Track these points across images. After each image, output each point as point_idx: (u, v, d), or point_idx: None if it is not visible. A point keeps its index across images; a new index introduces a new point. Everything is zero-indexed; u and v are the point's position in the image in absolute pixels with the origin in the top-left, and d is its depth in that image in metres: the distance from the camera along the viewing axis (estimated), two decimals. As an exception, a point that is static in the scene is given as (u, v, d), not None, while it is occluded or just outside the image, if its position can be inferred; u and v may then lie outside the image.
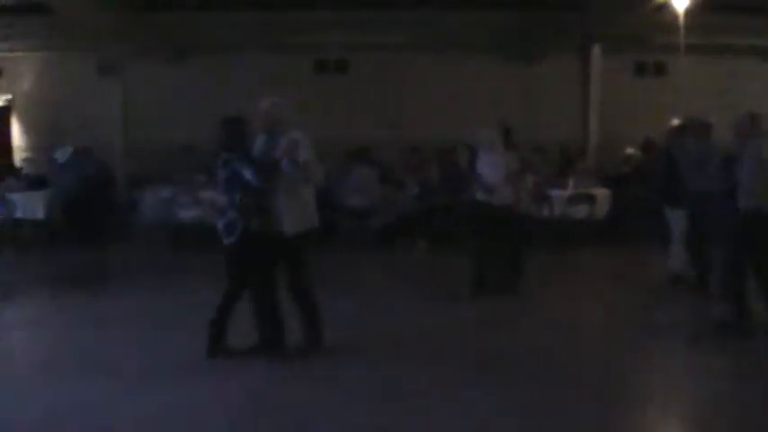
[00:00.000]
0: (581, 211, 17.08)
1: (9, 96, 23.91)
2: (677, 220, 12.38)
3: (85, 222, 16.88)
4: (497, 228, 11.80)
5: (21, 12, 18.70)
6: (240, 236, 8.45)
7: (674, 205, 12.38)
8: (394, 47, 21.79)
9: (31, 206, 17.14)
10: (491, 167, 11.87)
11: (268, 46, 22.18)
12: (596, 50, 20.91)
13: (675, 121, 12.88)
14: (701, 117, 12.58)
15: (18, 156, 22.81)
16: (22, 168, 20.26)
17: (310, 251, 8.94)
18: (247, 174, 8.38)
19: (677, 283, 12.36)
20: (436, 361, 8.74)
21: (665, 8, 17.21)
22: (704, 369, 8.41)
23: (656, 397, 7.76)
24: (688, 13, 16.97)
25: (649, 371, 8.60)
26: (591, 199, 17.13)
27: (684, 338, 9.74)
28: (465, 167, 12.55)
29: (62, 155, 17.75)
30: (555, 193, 17.17)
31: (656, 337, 9.80)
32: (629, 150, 17.74)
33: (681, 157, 12.26)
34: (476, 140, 12.28)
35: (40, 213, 17.14)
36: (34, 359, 8.61)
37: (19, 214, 17.10)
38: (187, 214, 16.45)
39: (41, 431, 6.36)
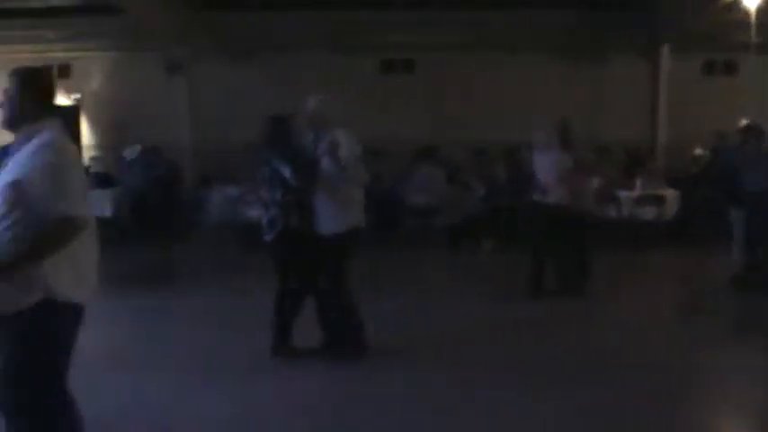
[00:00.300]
0: (649, 212, 16.93)
1: (78, 96, 24.14)
2: (738, 220, 12.27)
3: (153, 221, 17.01)
4: (556, 228, 11.72)
5: (89, 12, 18.89)
6: (280, 233, 8.43)
7: (736, 206, 12.27)
8: (461, 46, 21.69)
9: (98, 204, 17.27)
10: (545, 168, 11.91)
11: (334, 45, 22.19)
12: (664, 50, 20.68)
13: (743, 122, 12.76)
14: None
15: (86, 154, 23.04)
16: (90, 167, 20.45)
17: (354, 252, 8.86)
18: (286, 172, 8.37)
19: (741, 284, 12.18)
20: (494, 364, 8.65)
21: (736, 6, 16.96)
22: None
23: (721, 399, 7.66)
24: (759, 10, 16.72)
25: (715, 373, 8.43)
26: (659, 200, 16.97)
27: (749, 340, 9.61)
28: (530, 168, 12.48)
29: (130, 153, 17.92)
30: (622, 194, 17.02)
31: (721, 339, 9.66)
32: (698, 151, 17.52)
33: (741, 158, 12.16)
34: (532, 141, 12.28)
35: (107, 212, 17.25)
36: (101, 357, 8.64)
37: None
38: (253, 213, 16.47)
39: (109, 428, 6.37)
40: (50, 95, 5.02)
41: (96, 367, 7.81)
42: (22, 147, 4.75)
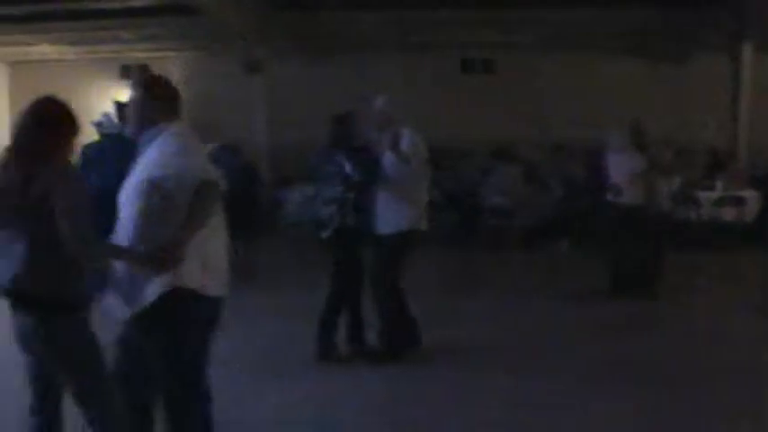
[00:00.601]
0: (729, 213, 16.68)
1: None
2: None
3: (230, 220, 17.10)
4: (631, 229, 11.59)
5: (167, 13, 19.04)
6: (336, 231, 8.40)
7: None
8: (542, 46, 21.56)
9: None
10: (619, 168, 11.91)
11: (413, 45, 22.17)
12: (747, 48, 20.28)
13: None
14: None
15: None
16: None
17: (410, 254, 8.74)
18: (347, 167, 8.32)
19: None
20: (565, 365, 8.55)
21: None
22: None
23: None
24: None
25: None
26: (740, 201, 16.72)
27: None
28: (606, 169, 12.38)
29: (209, 152, 18.05)
30: (702, 195, 16.79)
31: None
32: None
33: None
34: (607, 141, 12.20)
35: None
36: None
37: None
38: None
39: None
40: (173, 99, 5.08)
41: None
42: (148, 147, 4.86)
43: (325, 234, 8.52)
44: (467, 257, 16.04)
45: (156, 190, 4.63)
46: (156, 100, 4.98)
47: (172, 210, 4.59)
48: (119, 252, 4.71)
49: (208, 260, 4.85)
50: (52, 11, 19.12)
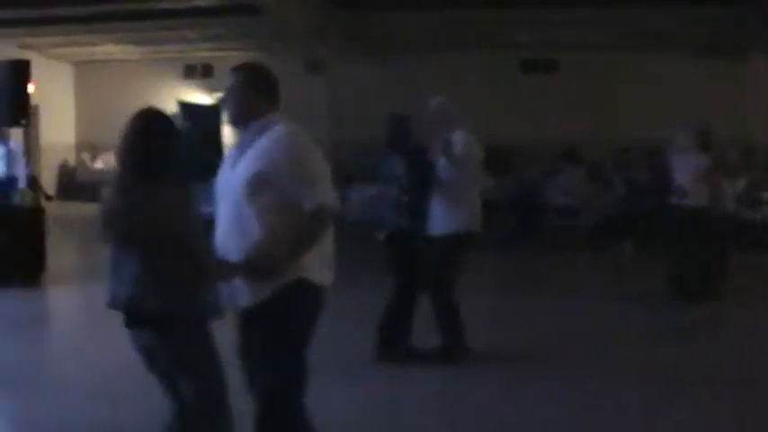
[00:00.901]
0: (798, 215, 16.43)
1: (221, 95, 24.58)
2: None
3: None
4: (695, 231, 11.46)
5: (231, 13, 19.15)
6: (391, 233, 8.37)
7: None
8: (604, 45, 21.41)
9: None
10: (683, 169, 11.69)
11: (473, 45, 22.11)
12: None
13: None
14: None
15: (227, 152, 23.38)
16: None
17: (464, 256, 8.63)
18: (400, 171, 8.29)
19: None
20: (625, 368, 8.37)
21: None
22: None
23: None
24: None
25: None
26: (806, 202, 16.46)
27: None
28: (670, 169, 12.26)
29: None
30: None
31: None
32: None
33: None
34: (671, 142, 12.08)
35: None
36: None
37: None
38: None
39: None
40: (273, 90, 4.93)
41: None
42: (254, 142, 4.71)
43: (381, 235, 8.50)
44: (529, 258, 15.95)
45: (269, 186, 4.55)
46: (259, 89, 4.87)
47: (284, 206, 4.57)
48: (227, 267, 4.64)
49: (324, 249, 4.80)
50: (117, 11, 19.30)
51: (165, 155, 4.55)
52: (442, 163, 8.24)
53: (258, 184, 4.55)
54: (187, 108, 16.39)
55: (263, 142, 4.66)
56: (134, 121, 4.58)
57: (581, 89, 22.14)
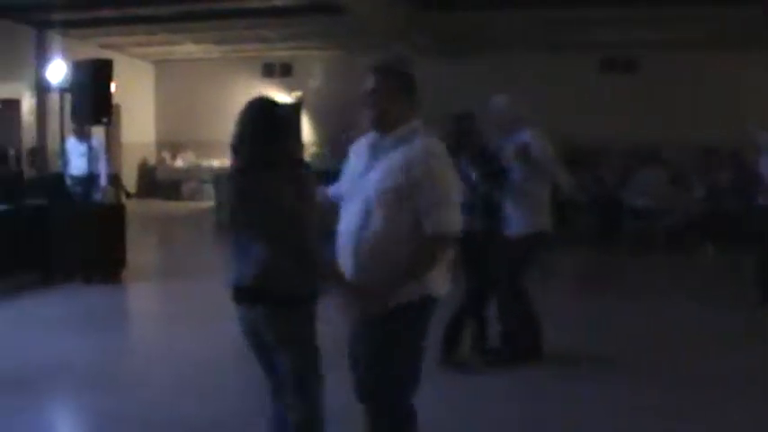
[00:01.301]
0: None
1: (300, 93, 24.69)
2: None
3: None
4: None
5: (310, 12, 19.18)
6: (464, 234, 8.22)
7: None
8: (686, 44, 21.10)
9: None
10: (769, 169, 11.40)
11: (552, 44, 21.94)
12: None
13: None
14: None
15: (308, 151, 23.46)
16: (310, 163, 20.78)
17: (537, 256, 8.58)
18: (473, 175, 8.10)
19: None
20: (702, 374, 8.17)
21: None
22: None
23: None
24: None
25: None
26: None
27: None
28: (755, 170, 12.01)
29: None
30: None
31: None
32: None
33: None
34: (758, 142, 11.83)
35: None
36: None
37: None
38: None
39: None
40: (417, 94, 4.66)
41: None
42: (393, 149, 4.53)
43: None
44: (608, 260, 15.80)
45: (403, 201, 4.40)
46: (406, 92, 4.63)
47: (408, 223, 4.45)
48: (333, 273, 4.61)
49: (447, 261, 4.71)
50: (197, 11, 19.46)
51: (284, 142, 4.63)
52: (515, 166, 8.12)
53: (394, 198, 4.40)
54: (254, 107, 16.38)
55: (405, 153, 4.47)
56: (251, 111, 4.67)
57: (663, 89, 21.84)
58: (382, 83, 4.58)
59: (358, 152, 4.78)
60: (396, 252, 4.40)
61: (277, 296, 4.59)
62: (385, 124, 4.59)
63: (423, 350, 4.74)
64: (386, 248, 4.43)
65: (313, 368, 4.86)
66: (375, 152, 4.62)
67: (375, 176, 4.50)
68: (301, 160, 4.95)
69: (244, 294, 4.66)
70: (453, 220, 4.48)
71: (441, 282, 4.65)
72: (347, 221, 4.60)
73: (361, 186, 4.56)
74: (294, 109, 22.32)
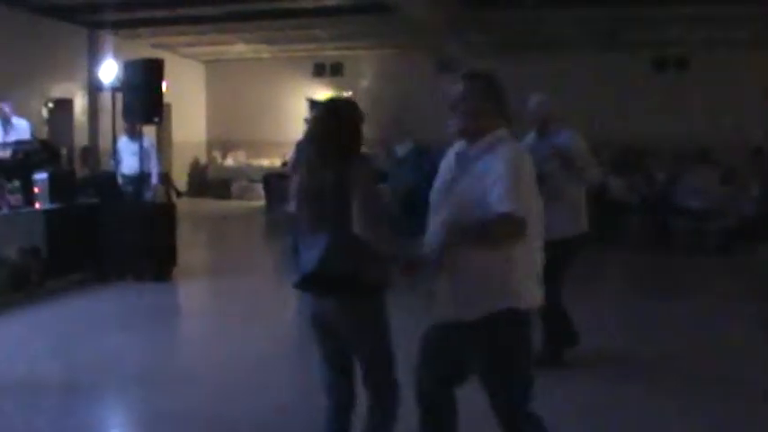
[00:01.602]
0: None
1: (350, 93, 24.70)
2: None
3: (420, 218, 17.11)
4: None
5: (360, 11, 19.19)
6: None
7: None
8: (738, 43, 20.88)
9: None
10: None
11: (604, 43, 21.78)
12: None
13: None
14: None
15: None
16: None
17: (575, 258, 8.35)
18: None
19: None
20: (749, 380, 7.96)
21: None
22: None
23: None
24: None
25: None
26: None
27: None
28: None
29: (402, 150, 18.06)
30: None
31: None
32: None
33: None
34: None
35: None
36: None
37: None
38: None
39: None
40: (504, 101, 4.63)
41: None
42: (481, 159, 4.49)
43: None
44: (658, 261, 15.59)
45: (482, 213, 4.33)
46: (496, 101, 4.60)
47: None
48: (394, 250, 4.63)
49: (538, 275, 4.65)
50: (248, 11, 19.54)
51: (355, 137, 4.80)
52: (552, 166, 7.98)
53: (478, 212, 4.34)
54: (317, 106, 16.40)
55: (495, 163, 4.39)
56: (327, 112, 4.99)
57: (715, 88, 21.61)
58: (475, 90, 4.58)
59: (446, 162, 4.77)
60: (484, 261, 4.40)
61: (345, 283, 4.61)
62: (476, 134, 4.57)
63: (525, 363, 4.68)
64: (473, 258, 4.42)
65: (386, 368, 4.93)
66: (461, 162, 4.61)
67: (463, 187, 4.51)
68: (366, 155, 5.04)
69: (315, 283, 4.68)
70: (520, 206, 4.29)
71: (533, 292, 4.60)
72: (434, 234, 4.59)
73: (447, 198, 4.59)
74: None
